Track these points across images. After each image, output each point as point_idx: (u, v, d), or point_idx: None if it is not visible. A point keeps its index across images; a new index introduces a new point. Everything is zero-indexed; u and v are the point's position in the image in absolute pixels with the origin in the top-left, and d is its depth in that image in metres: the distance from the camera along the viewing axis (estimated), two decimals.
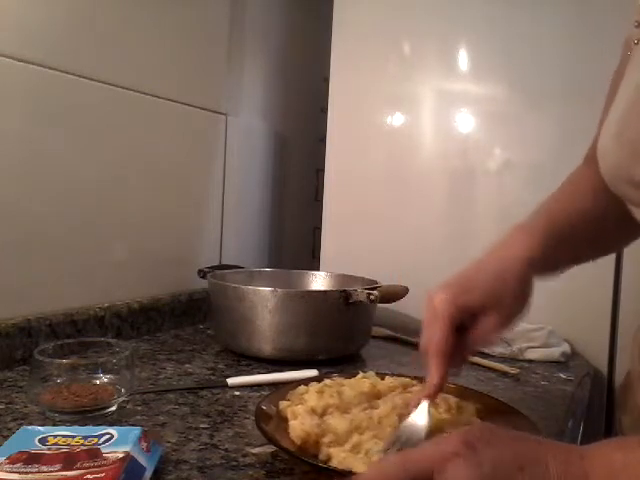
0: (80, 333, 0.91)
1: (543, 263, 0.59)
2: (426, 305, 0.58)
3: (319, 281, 1.14)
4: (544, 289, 1.08)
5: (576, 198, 0.65)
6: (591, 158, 0.64)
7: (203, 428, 0.65)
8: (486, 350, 1.03)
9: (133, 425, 0.64)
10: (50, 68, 0.87)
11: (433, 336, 0.56)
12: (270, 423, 0.59)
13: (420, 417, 0.55)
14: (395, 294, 1.06)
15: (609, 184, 0.56)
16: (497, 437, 0.40)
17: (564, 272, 0.65)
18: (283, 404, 0.63)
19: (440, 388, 0.56)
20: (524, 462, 0.38)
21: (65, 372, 0.68)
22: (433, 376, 0.56)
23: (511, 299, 0.57)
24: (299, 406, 0.61)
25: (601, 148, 0.56)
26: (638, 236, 0.67)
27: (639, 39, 0.56)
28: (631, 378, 0.61)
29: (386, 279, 1.02)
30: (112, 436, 0.54)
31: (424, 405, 0.56)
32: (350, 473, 0.48)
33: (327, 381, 0.68)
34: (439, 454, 0.39)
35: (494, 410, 0.64)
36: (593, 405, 0.97)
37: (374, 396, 0.65)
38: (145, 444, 0.54)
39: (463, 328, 0.57)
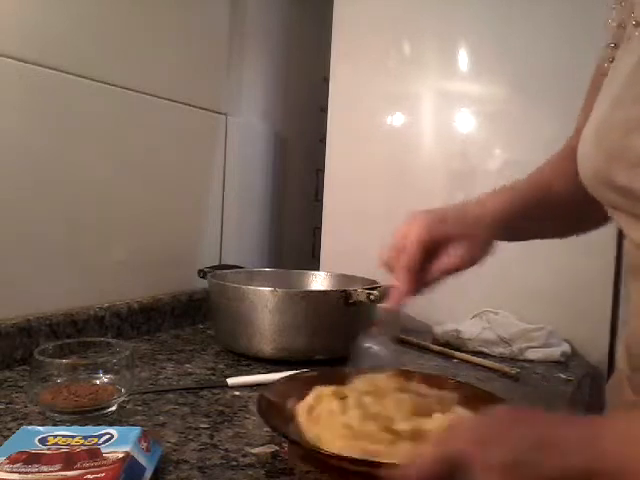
0: (80, 333, 0.91)
1: (510, 224, 0.67)
2: (404, 223, 0.65)
3: (319, 281, 1.14)
4: (544, 290, 1.09)
5: (551, 178, 0.71)
6: (570, 148, 0.69)
7: (203, 428, 0.65)
8: (486, 350, 1.03)
9: (133, 425, 0.64)
10: (50, 68, 0.87)
11: (404, 251, 0.62)
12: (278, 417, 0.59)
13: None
14: None
15: (589, 188, 0.58)
16: (529, 418, 0.42)
17: (528, 239, 0.74)
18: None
19: (406, 296, 0.62)
20: (555, 440, 0.39)
21: (65, 372, 0.68)
22: (402, 285, 0.62)
23: (478, 240, 0.64)
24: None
25: (580, 155, 0.59)
26: (603, 225, 0.72)
27: (614, 57, 0.59)
28: (620, 377, 0.62)
29: (386, 279, 1.02)
30: (112, 436, 0.54)
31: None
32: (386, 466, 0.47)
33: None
34: (473, 440, 0.41)
35: (476, 399, 0.64)
36: (593, 405, 0.97)
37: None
38: (145, 444, 0.54)
39: (430, 257, 0.63)
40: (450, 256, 0.63)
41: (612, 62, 0.60)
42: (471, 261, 0.64)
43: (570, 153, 0.65)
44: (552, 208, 0.70)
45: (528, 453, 0.39)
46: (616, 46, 0.60)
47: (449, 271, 0.64)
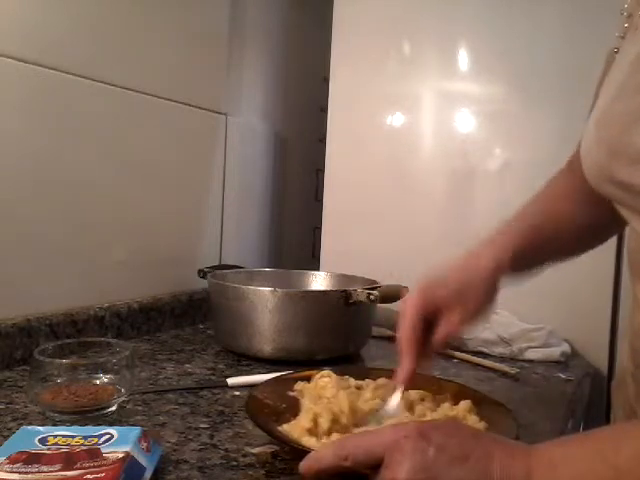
0: (80, 333, 0.91)
1: (513, 268, 0.65)
2: (400, 304, 0.65)
3: (319, 281, 1.14)
4: (544, 289, 1.09)
5: (551, 201, 0.71)
6: (571, 162, 0.69)
7: (203, 428, 0.65)
8: (486, 350, 1.03)
9: (133, 425, 0.64)
10: (50, 68, 0.87)
11: (401, 329, 0.63)
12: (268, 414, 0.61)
13: (394, 403, 0.62)
14: (395, 294, 1.06)
15: (592, 184, 0.58)
16: (453, 429, 0.45)
17: (539, 272, 0.72)
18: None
19: (410, 374, 0.62)
20: (470, 453, 0.41)
21: (65, 372, 0.68)
22: (404, 363, 0.62)
23: (475, 298, 0.63)
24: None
25: (583, 150, 0.59)
26: (615, 233, 0.73)
27: (619, 48, 0.59)
28: (622, 374, 0.62)
29: (386, 279, 1.02)
30: (112, 436, 0.54)
31: (397, 393, 0.62)
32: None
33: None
34: (392, 436, 0.43)
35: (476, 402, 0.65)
36: (593, 405, 0.97)
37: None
38: (145, 444, 0.54)
39: (432, 324, 0.63)
40: (447, 322, 0.62)
41: (617, 53, 0.59)
42: (470, 321, 0.64)
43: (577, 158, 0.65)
44: (561, 230, 0.69)
45: (453, 458, 0.41)
46: (623, 37, 0.59)
47: (447, 337, 0.63)
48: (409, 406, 0.63)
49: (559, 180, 0.72)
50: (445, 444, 0.42)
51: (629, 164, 0.48)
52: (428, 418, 0.61)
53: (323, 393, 0.65)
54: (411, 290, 0.65)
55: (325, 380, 0.67)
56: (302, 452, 0.51)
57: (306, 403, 0.64)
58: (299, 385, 0.69)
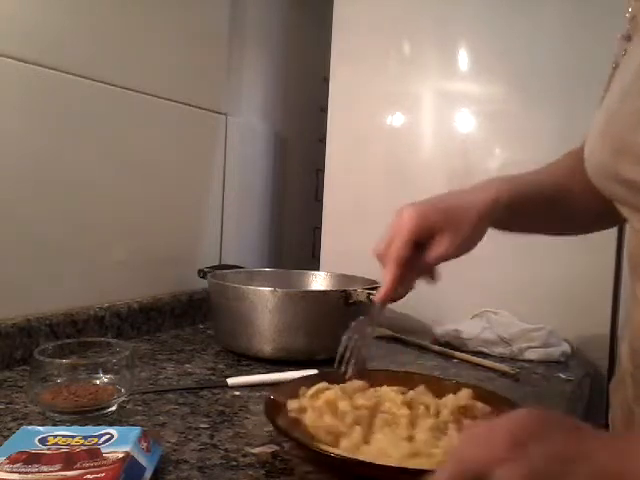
0: (80, 333, 0.91)
1: (504, 213, 0.65)
2: (394, 218, 0.65)
3: (319, 281, 1.14)
4: (544, 289, 1.09)
5: (555, 174, 0.71)
6: (581, 149, 0.69)
7: (203, 428, 0.65)
8: (486, 350, 1.03)
9: (133, 425, 0.64)
10: (50, 68, 0.87)
11: (392, 244, 0.62)
12: (282, 417, 0.60)
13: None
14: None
15: (596, 183, 0.58)
16: (548, 428, 0.39)
17: (530, 231, 0.73)
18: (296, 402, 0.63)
19: (391, 292, 0.63)
20: (575, 454, 0.37)
21: (65, 372, 0.68)
22: (386, 280, 0.62)
23: (467, 226, 0.63)
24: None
25: (587, 149, 0.59)
26: (612, 226, 0.74)
27: (626, 50, 0.59)
28: (622, 374, 0.62)
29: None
30: (112, 436, 0.54)
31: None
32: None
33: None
34: (489, 457, 0.38)
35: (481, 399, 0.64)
36: (593, 405, 0.97)
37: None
38: (145, 444, 0.54)
39: (420, 247, 0.63)
40: (438, 245, 0.62)
41: (624, 55, 0.59)
42: (460, 249, 0.63)
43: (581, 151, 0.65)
44: (557, 203, 0.69)
45: (551, 465, 0.36)
46: (629, 38, 0.59)
47: (437, 260, 0.63)
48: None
49: (565, 159, 0.72)
50: (550, 452, 0.37)
51: (635, 162, 0.49)
52: (445, 414, 0.60)
53: (344, 407, 0.60)
54: (403, 208, 0.65)
55: (331, 392, 0.62)
56: (321, 455, 0.50)
57: (328, 422, 0.58)
58: (294, 404, 0.62)
